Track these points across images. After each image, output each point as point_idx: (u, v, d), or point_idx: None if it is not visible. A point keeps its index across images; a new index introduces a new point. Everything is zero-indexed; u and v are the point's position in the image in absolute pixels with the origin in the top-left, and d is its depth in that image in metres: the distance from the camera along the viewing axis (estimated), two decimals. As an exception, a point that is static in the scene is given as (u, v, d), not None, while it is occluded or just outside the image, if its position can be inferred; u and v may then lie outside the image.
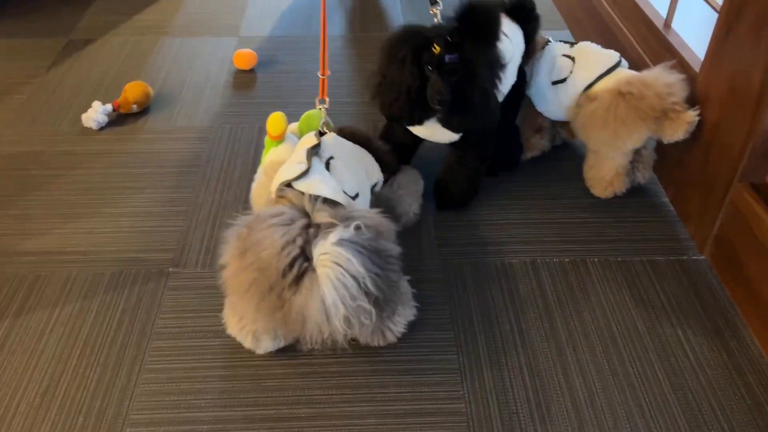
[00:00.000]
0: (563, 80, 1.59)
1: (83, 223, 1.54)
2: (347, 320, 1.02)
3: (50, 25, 2.36)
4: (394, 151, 1.45)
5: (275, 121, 1.40)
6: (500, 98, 1.43)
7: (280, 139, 1.41)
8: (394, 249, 1.10)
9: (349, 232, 1.03)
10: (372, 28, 2.39)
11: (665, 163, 1.64)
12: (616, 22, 1.91)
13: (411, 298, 1.29)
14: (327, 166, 1.25)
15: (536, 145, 1.74)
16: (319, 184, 1.17)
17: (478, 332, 1.31)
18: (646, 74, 1.51)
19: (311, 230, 1.07)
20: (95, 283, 1.39)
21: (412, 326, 1.28)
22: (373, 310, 1.04)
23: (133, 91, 1.88)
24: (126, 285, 1.39)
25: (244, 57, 2.10)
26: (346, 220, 1.07)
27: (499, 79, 1.36)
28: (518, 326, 1.32)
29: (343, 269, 0.99)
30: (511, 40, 1.47)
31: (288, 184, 1.18)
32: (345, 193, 1.22)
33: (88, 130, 1.84)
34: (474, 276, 1.43)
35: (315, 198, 1.13)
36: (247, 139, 1.82)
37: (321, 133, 1.35)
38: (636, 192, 1.64)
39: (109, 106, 1.86)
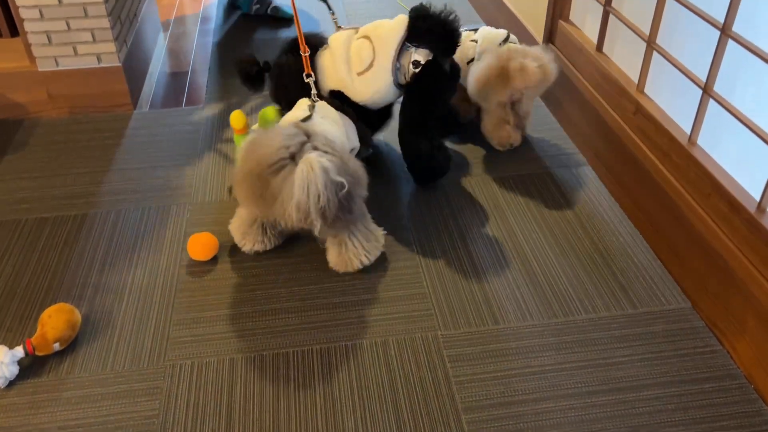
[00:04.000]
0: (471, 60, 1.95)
1: None
2: (328, 196, 1.31)
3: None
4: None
5: (237, 117, 1.85)
6: (381, 90, 1.75)
7: (244, 132, 1.87)
8: (363, 174, 1.43)
9: (326, 155, 1.35)
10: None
11: None
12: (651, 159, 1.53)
13: (380, 239, 1.62)
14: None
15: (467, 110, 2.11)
16: (321, 125, 1.51)
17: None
18: (523, 46, 1.90)
19: (306, 145, 1.37)
20: None
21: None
22: (345, 194, 1.35)
23: (54, 323, 1.37)
24: None
25: (203, 245, 1.63)
26: (331, 152, 1.37)
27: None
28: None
29: (322, 165, 1.30)
30: (375, 44, 1.73)
31: (298, 123, 1.48)
32: (348, 138, 1.61)
33: (-9, 388, 1.33)
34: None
35: (313, 133, 1.43)
36: (215, 384, 1.34)
37: (313, 101, 1.64)
38: None
39: (20, 350, 1.35)
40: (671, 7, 1.57)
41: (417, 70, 1.70)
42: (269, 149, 1.35)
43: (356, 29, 1.81)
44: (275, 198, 1.33)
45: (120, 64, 2.20)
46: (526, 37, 2.41)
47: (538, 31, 2.30)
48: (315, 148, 1.36)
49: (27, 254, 1.68)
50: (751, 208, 1.30)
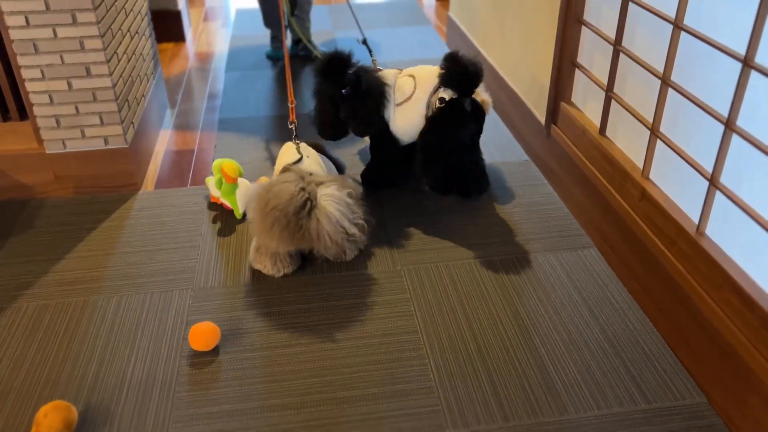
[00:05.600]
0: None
1: None
2: (346, 229, 1.67)
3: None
4: (385, 165, 2.25)
5: (232, 166, 2.09)
6: (415, 122, 2.07)
7: (235, 181, 2.11)
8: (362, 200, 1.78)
9: (338, 186, 1.71)
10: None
11: None
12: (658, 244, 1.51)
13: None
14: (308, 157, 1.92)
15: None
16: (312, 166, 1.85)
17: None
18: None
19: (311, 185, 1.68)
20: None
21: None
22: (364, 225, 1.74)
23: (50, 422, 1.33)
24: None
25: (204, 335, 1.60)
26: (332, 181, 1.72)
27: (379, 99, 2.07)
28: None
29: (338, 200, 1.67)
30: (418, 81, 2.07)
31: (286, 169, 1.83)
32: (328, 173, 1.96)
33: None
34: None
35: (309, 174, 1.77)
36: (214, 488, 1.29)
37: (296, 142, 1.97)
38: None
39: (13, 453, 1.31)
40: (674, 97, 1.59)
41: (441, 105, 1.97)
42: (290, 195, 1.63)
43: (400, 70, 2.17)
44: (315, 234, 1.65)
45: (127, 146, 2.22)
46: (529, 118, 2.44)
47: (540, 112, 2.33)
48: (322, 186, 1.70)
49: (26, 344, 1.65)
50: (765, 304, 1.28)
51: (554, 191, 2.24)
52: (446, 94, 1.96)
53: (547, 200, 2.20)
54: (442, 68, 1.96)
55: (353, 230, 1.69)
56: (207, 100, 3.04)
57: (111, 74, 2.11)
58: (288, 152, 1.93)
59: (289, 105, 2.05)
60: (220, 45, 3.77)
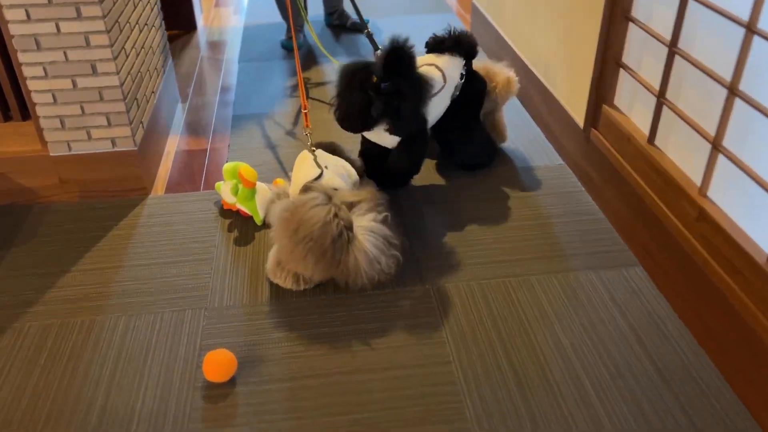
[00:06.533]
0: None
1: None
2: (383, 266, 1.60)
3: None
4: (368, 162, 2.06)
5: (249, 170, 1.95)
6: (441, 109, 2.05)
7: (253, 186, 1.98)
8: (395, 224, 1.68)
9: (374, 216, 1.62)
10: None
11: None
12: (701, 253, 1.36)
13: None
14: (326, 167, 1.76)
15: None
16: (334, 180, 1.72)
17: None
18: (485, 63, 2.23)
19: (342, 205, 1.58)
20: None
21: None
22: (399, 258, 1.65)
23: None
24: None
25: (219, 366, 1.47)
26: (364, 202, 1.66)
27: (423, 97, 1.88)
28: None
29: (376, 235, 1.59)
30: (444, 72, 2.01)
31: (310, 185, 1.69)
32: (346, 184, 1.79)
33: None
34: None
35: (333, 189, 1.66)
36: None
37: (312, 149, 1.81)
38: None
39: (11, 504, 1.19)
40: (742, 108, 1.43)
41: (462, 81, 2.05)
42: (322, 222, 1.52)
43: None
44: (354, 268, 1.57)
45: (135, 149, 2.08)
46: (564, 119, 2.28)
47: (578, 114, 2.17)
48: (356, 212, 1.63)
49: (28, 370, 1.53)
50: None
51: (592, 200, 2.08)
52: (463, 69, 2.06)
53: (585, 210, 2.04)
54: (451, 47, 2.04)
55: (389, 265, 1.62)
56: (219, 94, 2.89)
57: (118, 72, 1.96)
58: (305, 165, 1.78)
59: (302, 111, 1.94)
60: (233, 33, 3.61)
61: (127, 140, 2.06)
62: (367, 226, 1.58)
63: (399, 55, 1.78)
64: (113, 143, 2.07)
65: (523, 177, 2.22)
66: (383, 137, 1.97)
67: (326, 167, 1.76)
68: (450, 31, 2.06)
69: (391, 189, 2.10)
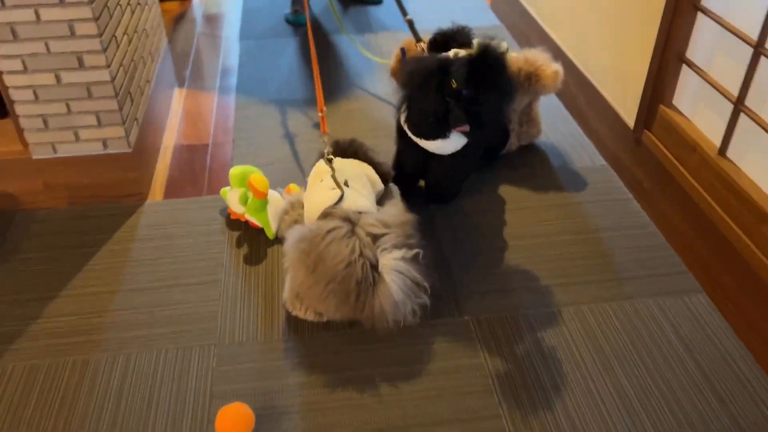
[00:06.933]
0: None
1: None
2: (412, 310, 1.37)
3: None
4: (401, 178, 1.88)
5: (261, 180, 1.72)
6: None
7: (265, 197, 1.74)
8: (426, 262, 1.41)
9: (403, 252, 1.36)
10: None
11: None
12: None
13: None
14: (345, 184, 1.53)
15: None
16: (357, 201, 1.48)
17: None
18: (523, 51, 1.95)
19: (366, 239, 1.37)
20: None
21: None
22: (427, 303, 1.40)
23: None
24: None
25: (235, 425, 1.27)
26: (393, 235, 1.39)
27: (508, 101, 1.63)
28: None
29: (404, 278, 1.34)
30: None
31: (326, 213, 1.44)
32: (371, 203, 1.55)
33: None
34: None
35: (357, 214, 1.43)
36: None
37: (329, 159, 1.58)
38: None
39: None
40: None
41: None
42: (346, 261, 1.32)
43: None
44: (380, 313, 1.35)
45: (130, 150, 1.84)
46: (609, 116, 2.04)
47: (628, 112, 1.94)
48: (383, 247, 1.38)
49: (12, 424, 1.32)
50: None
51: (642, 209, 1.87)
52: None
53: (636, 222, 1.83)
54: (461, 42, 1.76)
55: (415, 311, 1.39)
56: (220, 78, 2.63)
57: (109, 65, 1.71)
58: (323, 186, 1.53)
59: (320, 114, 1.71)
60: (231, 5, 3.32)
61: (120, 141, 1.82)
62: (395, 267, 1.35)
63: (487, 64, 1.54)
64: (105, 145, 1.82)
65: (563, 179, 2.00)
66: (442, 144, 1.70)
67: (347, 183, 1.54)
68: (456, 26, 1.80)
69: (437, 204, 1.90)
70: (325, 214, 1.44)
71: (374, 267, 1.36)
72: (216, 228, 1.83)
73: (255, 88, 2.54)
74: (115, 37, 1.79)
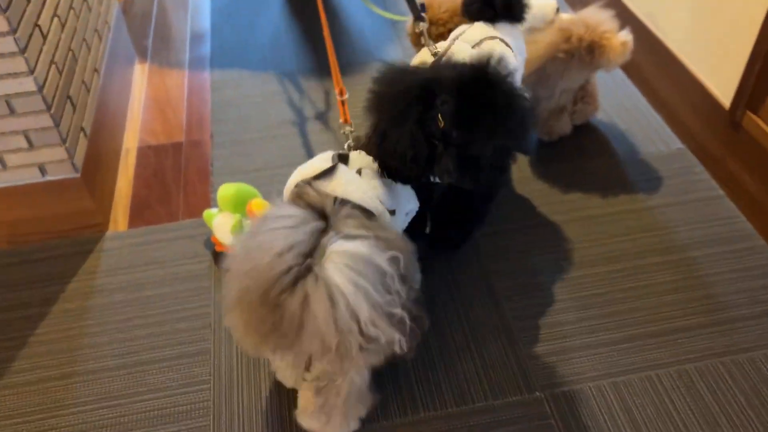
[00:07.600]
0: None
1: None
2: (362, 323, 0.80)
3: None
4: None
5: (262, 205, 1.33)
6: None
7: None
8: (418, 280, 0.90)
9: (369, 237, 0.86)
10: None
11: None
12: None
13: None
14: (358, 172, 1.07)
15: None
16: (346, 186, 1.00)
17: None
18: (580, 13, 1.53)
19: (324, 238, 0.86)
20: None
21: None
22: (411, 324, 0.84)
23: None
24: None
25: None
26: (376, 237, 0.87)
27: (522, 137, 1.12)
28: None
29: (357, 264, 0.82)
30: (513, 48, 1.33)
31: (308, 183, 1.00)
32: (381, 202, 1.04)
33: None
34: None
35: (341, 202, 0.95)
36: None
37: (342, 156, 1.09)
38: None
39: None
40: None
41: None
42: (267, 256, 0.83)
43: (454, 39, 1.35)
44: (296, 329, 0.82)
45: (77, 175, 1.41)
46: (695, 91, 1.60)
47: (723, 87, 1.50)
48: (343, 237, 0.87)
49: None
50: None
51: (740, 212, 1.47)
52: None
53: (736, 232, 1.43)
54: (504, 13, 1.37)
55: (381, 327, 0.82)
56: (189, 47, 2.15)
57: (32, 70, 1.26)
58: (318, 158, 1.10)
59: (338, 98, 1.25)
60: (197, -54, 2.77)
61: (62, 165, 1.39)
62: (346, 251, 0.84)
63: (485, 97, 1.03)
64: (42, 171, 1.39)
65: (630, 171, 1.59)
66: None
67: (359, 172, 1.08)
68: None
69: (448, 250, 1.44)
70: (298, 194, 1.00)
71: (307, 254, 0.85)
72: (199, 268, 1.42)
73: (233, 58, 2.07)
74: (39, 27, 1.32)
